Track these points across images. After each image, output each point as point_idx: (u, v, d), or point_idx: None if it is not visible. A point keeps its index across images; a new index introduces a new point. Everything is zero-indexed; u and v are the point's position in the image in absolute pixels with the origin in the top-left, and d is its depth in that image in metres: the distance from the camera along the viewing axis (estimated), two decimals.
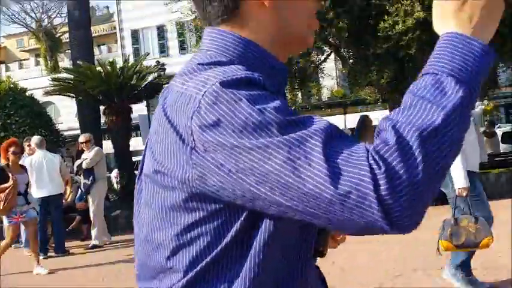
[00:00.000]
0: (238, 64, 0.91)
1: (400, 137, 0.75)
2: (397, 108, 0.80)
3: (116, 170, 15.13)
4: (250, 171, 0.79)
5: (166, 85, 1.05)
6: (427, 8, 9.29)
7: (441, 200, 5.30)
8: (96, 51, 34.47)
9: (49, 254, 8.84)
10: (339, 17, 10.32)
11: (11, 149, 7.65)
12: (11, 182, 7.19)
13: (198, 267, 0.89)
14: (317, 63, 13.98)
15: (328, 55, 14.06)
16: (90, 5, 16.52)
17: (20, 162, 8.08)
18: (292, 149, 0.77)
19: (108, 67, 13.34)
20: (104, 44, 38.02)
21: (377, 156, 0.75)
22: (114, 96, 13.05)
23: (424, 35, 9.60)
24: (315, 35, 1.03)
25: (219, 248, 0.88)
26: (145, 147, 1.00)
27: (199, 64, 0.92)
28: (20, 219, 7.43)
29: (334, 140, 0.78)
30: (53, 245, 9.13)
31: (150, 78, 13.99)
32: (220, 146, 0.81)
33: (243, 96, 0.81)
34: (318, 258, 1.07)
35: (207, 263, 0.89)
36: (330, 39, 12.02)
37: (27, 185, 7.75)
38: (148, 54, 16.70)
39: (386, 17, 9.72)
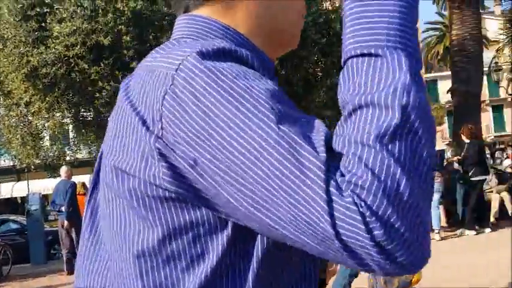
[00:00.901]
0: None
1: (357, 153, 0.61)
2: (343, 119, 0.65)
3: None
4: (230, 175, 0.64)
5: None
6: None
7: None
8: None
9: None
10: None
11: None
12: None
13: None
14: None
15: None
16: None
17: None
18: (285, 152, 0.61)
19: None
20: None
21: (350, 186, 0.61)
22: None
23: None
24: None
25: (201, 274, 0.69)
26: (100, 155, 0.82)
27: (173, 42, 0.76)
28: None
29: (329, 152, 0.63)
30: None
31: None
32: (196, 136, 0.64)
33: (227, 71, 0.65)
34: None
35: None
36: None
37: None
38: None
39: None
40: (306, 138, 0.62)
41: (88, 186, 11.45)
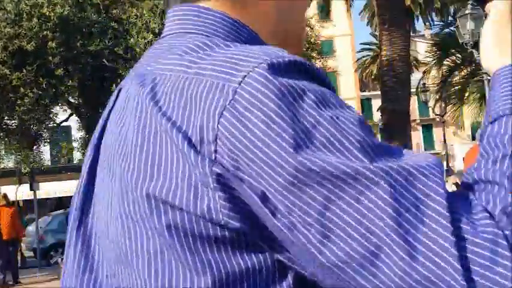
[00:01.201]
0: None
1: None
2: (485, 160, 0.59)
3: None
4: (313, 214, 0.51)
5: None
6: None
7: None
8: None
9: None
10: (70, 75, 10.00)
11: None
12: None
13: None
14: (57, 123, 13.46)
15: (71, 115, 13.70)
16: None
17: None
18: (396, 188, 0.50)
19: None
20: None
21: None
22: None
23: None
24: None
25: None
26: (89, 171, 0.68)
27: (205, 43, 0.61)
28: None
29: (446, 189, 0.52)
30: None
31: None
32: (267, 165, 0.51)
33: (305, 93, 0.54)
34: None
35: None
36: (71, 99, 11.69)
37: None
38: None
39: (119, 80, 9.72)
40: (416, 168, 0.52)
41: (9, 197, 10.98)
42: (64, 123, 15.06)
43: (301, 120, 0.53)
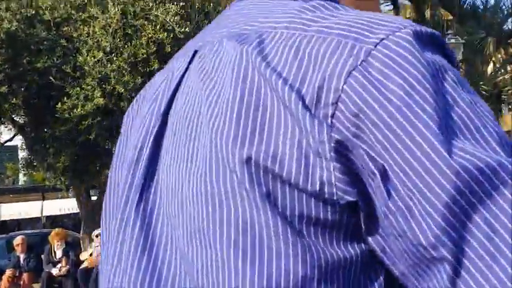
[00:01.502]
0: None
1: None
2: None
3: None
4: (437, 203, 0.43)
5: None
6: (108, 95, 9.41)
7: None
8: None
9: None
10: (14, 93, 9.67)
11: None
12: None
13: None
14: (1, 142, 13.07)
15: (16, 134, 13.31)
16: None
17: None
18: None
19: None
20: None
21: None
22: None
23: (104, 121, 9.62)
24: None
25: None
26: (153, 142, 0.58)
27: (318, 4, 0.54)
28: None
29: None
30: None
31: None
32: (396, 135, 0.45)
33: (447, 70, 0.48)
34: None
35: None
36: (15, 118, 11.34)
37: None
38: None
39: (66, 99, 9.46)
40: None
41: None
42: (9, 143, 14.53)
43: (442, 97, 0.47)
